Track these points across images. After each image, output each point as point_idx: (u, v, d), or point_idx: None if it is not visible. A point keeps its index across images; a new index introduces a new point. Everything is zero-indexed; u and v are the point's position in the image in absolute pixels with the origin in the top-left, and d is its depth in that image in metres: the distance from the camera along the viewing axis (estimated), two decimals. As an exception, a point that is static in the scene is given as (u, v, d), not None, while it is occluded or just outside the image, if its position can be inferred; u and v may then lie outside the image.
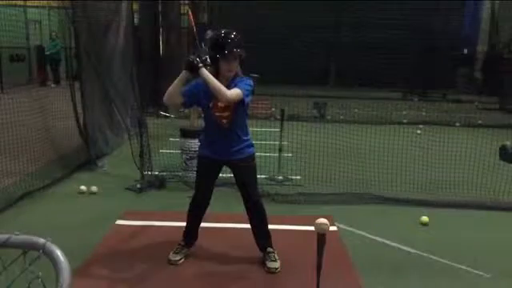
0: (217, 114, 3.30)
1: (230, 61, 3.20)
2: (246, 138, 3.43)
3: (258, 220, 3.53)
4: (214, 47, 3.21)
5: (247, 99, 3.22)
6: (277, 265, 3.47)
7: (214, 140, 3.42)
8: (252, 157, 3.46)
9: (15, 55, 14.72)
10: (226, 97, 3.09)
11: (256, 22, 15.91)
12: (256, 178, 3.53)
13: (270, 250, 3.55)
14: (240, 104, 3.21)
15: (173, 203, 4.89)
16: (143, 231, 4.22)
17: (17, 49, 14.32)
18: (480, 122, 10.60)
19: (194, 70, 3.13)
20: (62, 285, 1.30)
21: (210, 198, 3.57)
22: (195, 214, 3.61)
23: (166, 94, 3.28)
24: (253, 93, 3.30)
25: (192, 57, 3.16)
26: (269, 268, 3.45)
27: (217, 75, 3.21)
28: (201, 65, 3.11)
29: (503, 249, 4.08)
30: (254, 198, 3.48)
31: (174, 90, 3.24)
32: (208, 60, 3.16)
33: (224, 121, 3.31)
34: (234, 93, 3.12)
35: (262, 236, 3.57)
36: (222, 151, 3.39)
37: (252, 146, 3.48)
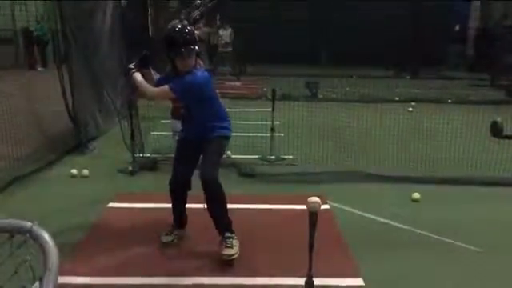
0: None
1: (184, 58, 3.23)
2: (214, 123, 3.42)
3: (209, 200, 3.34)
4: (167, 45, 3.24)
5: (179, 94, 3.28)
6: (231, 251, 3.28)
7: (185, 122, 3.59)
8: (218, 138, 3.43)
9: (1, 38, 14.48)
10: (147, 96, 3.45)
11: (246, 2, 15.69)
12: (216, 157, 3.42)
13: (227, 234, 3.37)
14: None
15: (165, 185, 4.74)
16: (135, 213, 4.22)
17: (2, 31, 14.06)
18: (471, 98, 10.62)
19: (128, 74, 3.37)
20: (50, 268, 1.28)
21: (186, 180, 3.49)
22: (174, 195, 3.56)
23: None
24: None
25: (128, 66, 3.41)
26: (222, 255, 3.28)
27: (176, 69, 3.30)
28: (133, 70, 3.34)
29: (495, 224, 4.11)
30: (204, 175, 3.28)
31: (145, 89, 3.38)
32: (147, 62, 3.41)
33: (182, 109, 3.48)
34: (157, 91, 3.32)
35: (214, 219, 3.40)
36: (191, 131, 3.50)
37: (221, 128, 3.45)
